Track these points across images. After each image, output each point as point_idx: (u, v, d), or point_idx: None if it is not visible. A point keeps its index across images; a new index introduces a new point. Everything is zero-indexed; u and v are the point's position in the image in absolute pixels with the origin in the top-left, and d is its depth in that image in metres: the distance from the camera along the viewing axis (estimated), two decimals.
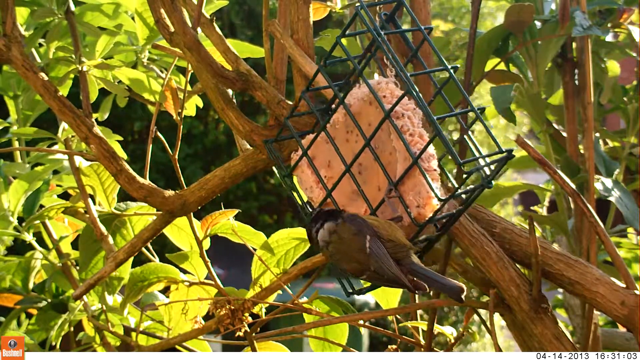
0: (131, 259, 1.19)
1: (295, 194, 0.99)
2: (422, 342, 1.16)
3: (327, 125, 0.93)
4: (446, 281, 0.83)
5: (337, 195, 0.93)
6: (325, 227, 0.88)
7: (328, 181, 0.94)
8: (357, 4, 0.88)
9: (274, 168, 1.00)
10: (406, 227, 0.87)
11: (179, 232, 1.31)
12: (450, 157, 0.84)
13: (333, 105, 0.95)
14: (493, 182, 0.84)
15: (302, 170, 0.96)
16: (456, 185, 0.86)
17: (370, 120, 0.90)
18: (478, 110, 0.86)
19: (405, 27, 0.93)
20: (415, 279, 0.84)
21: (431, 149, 0.87)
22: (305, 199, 0.98)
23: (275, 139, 0.99)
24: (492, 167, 0.86)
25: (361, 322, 1.12)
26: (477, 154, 0.86)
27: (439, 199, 0.84)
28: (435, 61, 0.97)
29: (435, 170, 0.86)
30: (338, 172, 0.93)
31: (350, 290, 0.95)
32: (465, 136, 0.88)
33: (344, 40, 0.92)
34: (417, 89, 0.85)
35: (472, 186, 0.88)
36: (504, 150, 0.85)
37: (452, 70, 0.88)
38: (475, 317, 1.07)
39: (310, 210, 0.95)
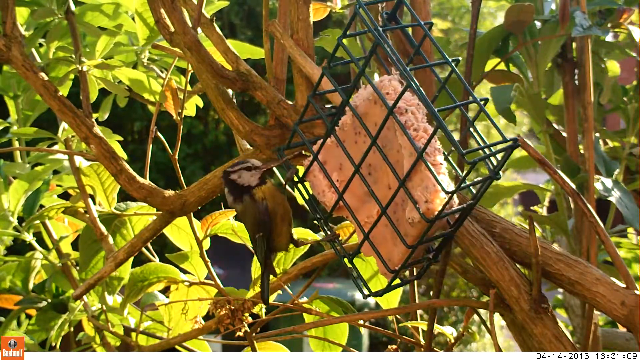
0: (131, 259, 1.19)
1: (303, 197, 0.99)
2: (422, 342, 1.16)
3: (336, 128, 0.93)
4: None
5: (349, 197, 0.93)
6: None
7: (340, 185, 0.94)
8: (356, 4, 0.87)
9: (276, 171, 0.98)
10: (417, 224, 0.87)
11: (179, 232, 1.31)
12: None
13: (345, 109, 0.95)
14: (500, 173, 0.85)
15: (314, 175, 0.96)
16: (462, 176, 0.86)
17: (377, 120, 0.90)
18: (481, 101, 0.86)
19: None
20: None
21: (437, 144, 0.87)
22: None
23: (287, 146, 0.98)
24: (499, 157, 0.86)
25: (361, 322, 1.12)
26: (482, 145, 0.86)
27: (445, 192, 0.84)
28: (438, 58, 0.97)
29: (441, 164, 0.86)
30: (349, 174, 0.92)
31: (367, 293, 0.95)
32: (470, 129, 0.88)
33: (345, 41, 0.92)
34: (419, 85, 0.85)
35: (479, 178, 0.88)
36: (508, 139, 0.85)
37: (453, 64, 0.88)
38: (475, 317, 1.08)
39: (323, 215, 0.96)
